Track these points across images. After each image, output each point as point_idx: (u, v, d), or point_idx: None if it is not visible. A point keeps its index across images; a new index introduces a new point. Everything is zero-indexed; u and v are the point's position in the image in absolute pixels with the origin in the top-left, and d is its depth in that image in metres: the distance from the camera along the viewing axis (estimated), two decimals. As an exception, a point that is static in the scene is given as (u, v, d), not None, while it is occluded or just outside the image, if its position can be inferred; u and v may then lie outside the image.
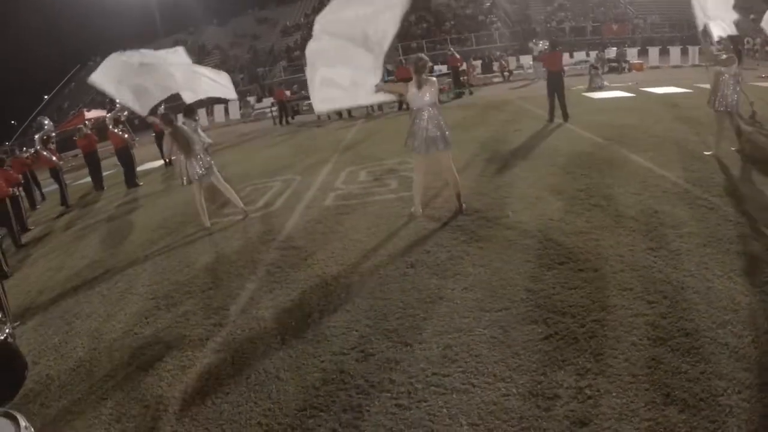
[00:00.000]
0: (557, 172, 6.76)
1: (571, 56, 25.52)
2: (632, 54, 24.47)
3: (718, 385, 2.63)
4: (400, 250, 5.00)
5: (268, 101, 26.64)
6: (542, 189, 6.13)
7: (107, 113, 12.26)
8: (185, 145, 6.63)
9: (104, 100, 29.81)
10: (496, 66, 26.33)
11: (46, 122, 12.79)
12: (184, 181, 6.71)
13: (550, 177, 6.60)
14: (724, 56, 6.57)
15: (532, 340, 3.23)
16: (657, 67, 23.17)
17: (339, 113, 18.31)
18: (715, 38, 6.73)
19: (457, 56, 20.19)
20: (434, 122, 5.36)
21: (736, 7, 6.97)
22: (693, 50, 21.97)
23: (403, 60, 23.13)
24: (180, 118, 8.90)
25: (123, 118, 12.31)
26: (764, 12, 10.04)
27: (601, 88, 16.52)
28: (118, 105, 11.92)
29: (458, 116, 13.50)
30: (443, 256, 4.69)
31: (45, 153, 11.80)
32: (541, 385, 2.82)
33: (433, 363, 3.16)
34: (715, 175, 5.92)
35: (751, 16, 17.79)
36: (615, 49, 25.30)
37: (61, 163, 12.18)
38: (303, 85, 28.36)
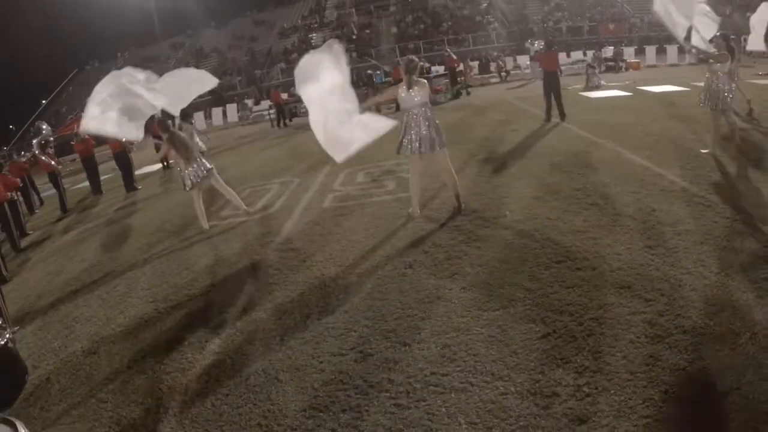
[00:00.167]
0: (554, 172, 6.78)
1: (568, 56, 25.61)
2: (629, 53, 24.57)
3: (717, 382, 2.64)
4: (398, 250, 5.01)
5: (266, 104, 26.61)
6: (539, 188, 6.14)
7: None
8: (183, 150, 6.64)
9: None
10: (493, 66, 26.38)
11: (44, 127, 12.80)
12: (186, 187, 6.70)
13: (547, 176, 6.61)
14: (717, 54, 6.58)
15: (530, 339, 3.24)
16: (654, 66, 23.24)
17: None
18: (694, 42, 6.69)
19: (454, 57, 20.22)
20: (426, 123, 5.38)
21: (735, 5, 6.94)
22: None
23: (399, 61, 23.16)
24: (176, 122, 8.91)
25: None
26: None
27: (598, 88, 16.57)
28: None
29: (455, 117, 13.52)
30: (441, 256, 4.70)
31: (43, 158, 11.80)
32: (539, 384, 2.83)
33: (432, 362, 3.17)
34: (711, 173, 5.94)
35: (747, 14, 17.84)
36: (612, 48, 25.39)
37: (59, 167, 12.18)
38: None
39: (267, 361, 3.54)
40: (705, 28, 6.62)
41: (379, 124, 4.93)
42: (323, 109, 4.97)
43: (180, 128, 7.33)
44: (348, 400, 2.98)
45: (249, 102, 30.55)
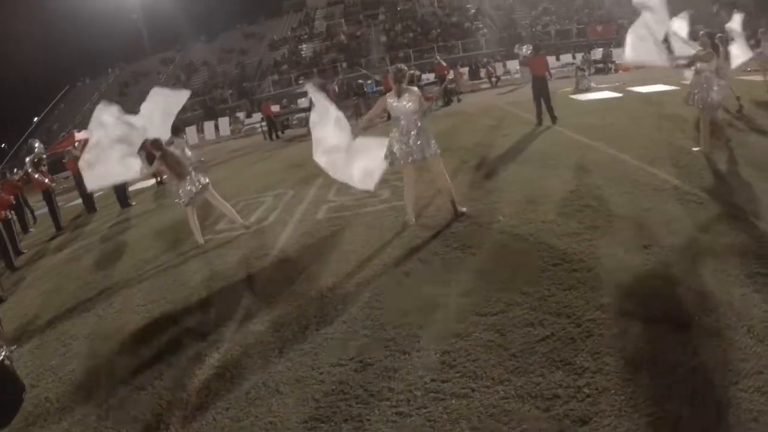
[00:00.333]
0: (547, 175, 6.81)
1: (558, 59, 25.77)
2: (618, 54, 24.67)
3: (716, 378, 2.66)
4: (394, 259, 5.01)
5: (258, 116, 26.66)
6: (532, 192, 6.16)
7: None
8: (176, 167, 6.63)
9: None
10: (483, 72, 26.52)
11: (36, 144, 12.70)
12: (182, 204, 6.70)
13: (539, 180, 6.64)
14: (703, 52, 6.65)
15: (529, 342, 3.24)
16: (643, 66, 23.33)
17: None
18: (678, 53, 6.76)
19: (444, 64, 20.34)
20: (416, 130, 5.40)
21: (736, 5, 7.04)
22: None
23: (389, 70, 23.29)
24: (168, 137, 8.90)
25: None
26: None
27: (588, 90, 16.66)
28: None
29: (447, 124, 13.59)
30: (437, 263, 4.71)
31: (37, 176, 11.74)
32: (540, 386, 2.83)
33: (432, 369, 3.17)
34: (703, 171, 6.00)
35: (734, 12, 17.97)
36: (601, 50, 25.55)
37: (53, 185, 12.12)
38: (292, 98, 28.52)
39: (267, 373, 3.53)
40: (681, 31, 6.71)
41: (375, 144, 5.28)
42: (332, 155, 5.32)
43: (171, 143, 7.30)
44: (349, 410, 2.97)
45: (241, 115, 30.55)
